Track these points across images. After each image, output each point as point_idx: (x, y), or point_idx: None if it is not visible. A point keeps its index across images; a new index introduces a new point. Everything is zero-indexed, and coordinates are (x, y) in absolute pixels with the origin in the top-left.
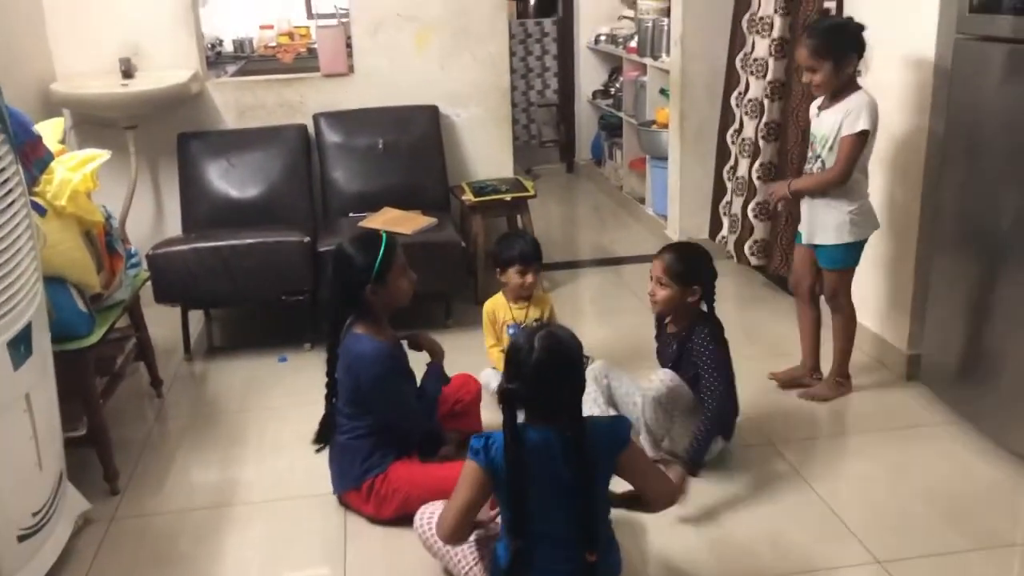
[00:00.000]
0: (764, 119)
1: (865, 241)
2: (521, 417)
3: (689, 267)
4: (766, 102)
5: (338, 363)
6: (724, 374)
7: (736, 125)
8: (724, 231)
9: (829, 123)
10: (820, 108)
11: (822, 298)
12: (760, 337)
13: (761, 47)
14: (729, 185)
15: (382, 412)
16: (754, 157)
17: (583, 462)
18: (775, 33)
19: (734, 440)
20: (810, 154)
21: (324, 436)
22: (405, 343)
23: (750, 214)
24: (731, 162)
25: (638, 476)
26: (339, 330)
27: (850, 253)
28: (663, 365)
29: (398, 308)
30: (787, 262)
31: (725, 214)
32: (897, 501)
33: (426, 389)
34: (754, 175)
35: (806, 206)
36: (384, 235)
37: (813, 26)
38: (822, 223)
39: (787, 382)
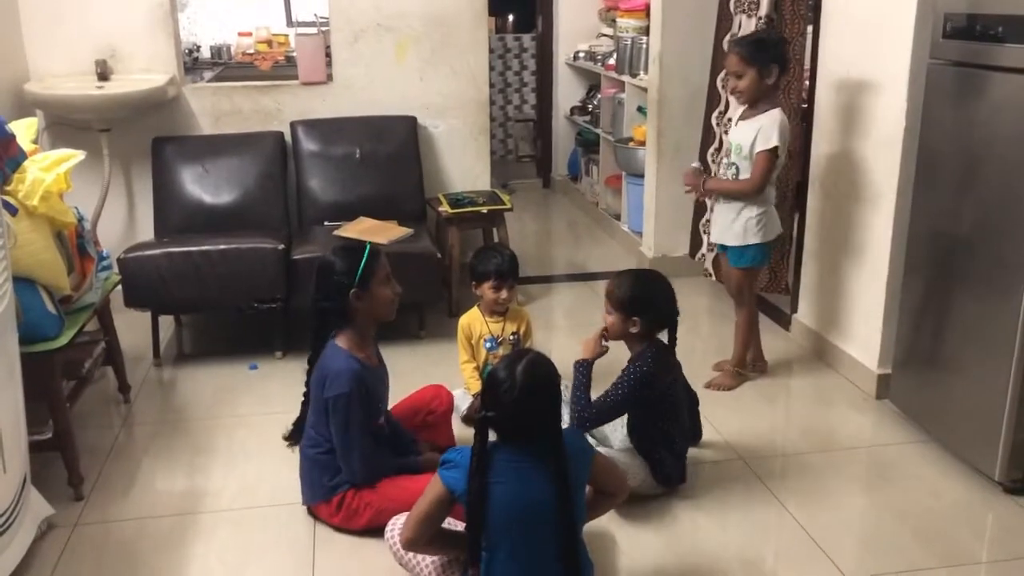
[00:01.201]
0: None
1: (771, 243)
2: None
3: (628, 298)
4: None
5: (314, 373)
6: (620, 403)
7: (716, 144)
8: (703, 249)
9: (745, 133)
10: (739, 119)
11: (757, 295)
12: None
13: None
14: (709, 203)
15: (332, 432)
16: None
17: (565, 484)
18: None
19: (704, 456)
20: (725, 160)
21: (295, 436)
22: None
23: None
24: None
25: (608, 475)
26: (322, 339)
27: (755, 253)
28: None
29: (383, 319)
30: (777, 279)
31: (705, 232)
32: (866, 518)
33: (390, 455)
34: None
35: (716, 210)
36: (368, 244)
37: (744, 37)
38: (729, 226)
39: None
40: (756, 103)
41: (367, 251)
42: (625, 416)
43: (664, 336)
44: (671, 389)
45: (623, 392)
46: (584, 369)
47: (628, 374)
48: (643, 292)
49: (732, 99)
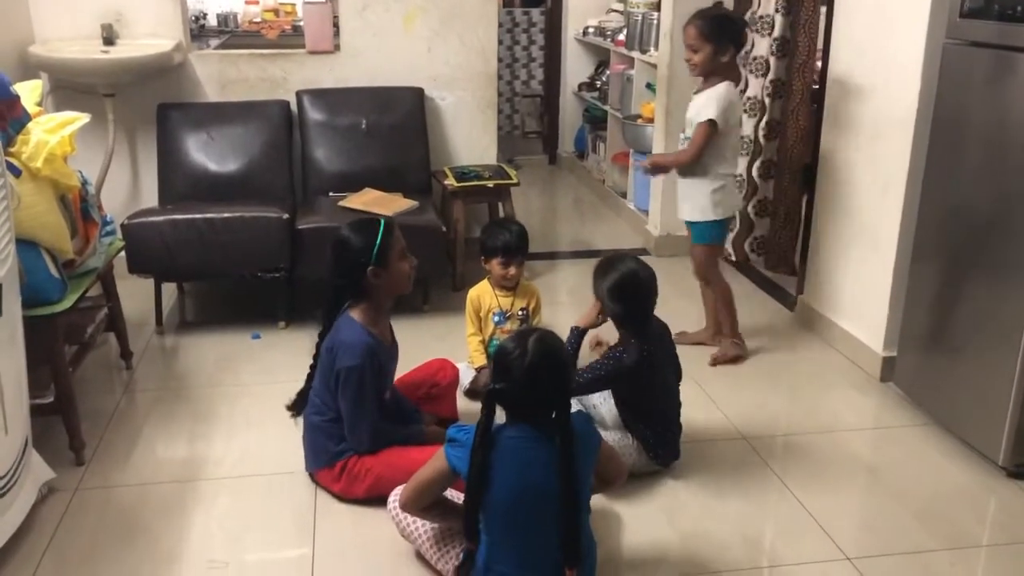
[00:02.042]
0: (765, 118)
1: (728, 220)
2: (502, 418)
3: (596, 286)
4: (767, 100)
5: (325, 342)
6: (594, 383)
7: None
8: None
9: (694, 107)
10: (694, 93)
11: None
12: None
13: (762, 46)
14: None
15: (341, 404)
16: (754, 155)
17: (571, 466)
18: (776, 32)
19: (707, 434)
20: (681, 136)
21: (299, 406)
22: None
23: (751, 211)
24: None
25: (610, 462)
26: (334, 313)
27: (715, 230)
28: None
29: (400, 293)
30: (786, 260)
31: None
32: (868, 499)
33: (396, 424)
34: (755, 173)
35: (678, 187)
36: (383, 220)
37: (705, 11)
38: (690, 201)
39: (692, 343)
40: (709, 77)
41: (382, 227)
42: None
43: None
44: (659, 375)
45: (598, 375)
46: (575, 335)
47: (605, 360)
48: (601, 280)
49: (751, 78)
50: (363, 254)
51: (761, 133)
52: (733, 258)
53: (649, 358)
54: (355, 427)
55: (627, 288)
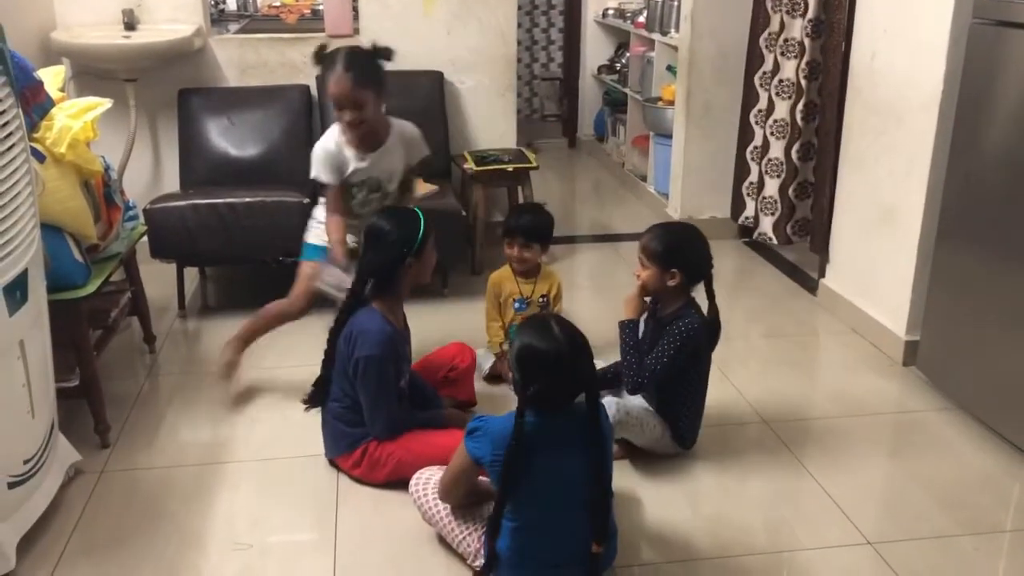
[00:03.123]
0: (803, 99)
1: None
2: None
3: (666, 249)
4: (803, 82)
5: (343, 331)
6: (674, 361)
7: (761, 105)
8: (748, 212)
9: (393, 160)
10: (370, 152)
11: None
12: (758, 318)
13: (795, 27)
14: (754, 166)
15: (360, 392)
16: (791, 138)
17: (600, 447)
18: (810, 13)
19: (728, 418)
20: (375, 196)
21: (317, 399)
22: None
23: (791, 194)
24: (757, 142)
25: None
26: (355, 305)
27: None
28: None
29: (423, 283)
30: (826, 242)
31: (749, 195)
32: (890, 484)
33: (414, 410)
34: (794, 156)
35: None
36: (418, 209)
37: (350, 57)
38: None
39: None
40: (383, 131)
41: (423, 218)
42: None
43: (700, 289)
44: (715, 341)
45: (676, 348)
46: (631, 330)
47: (680, 329)
48: (680, 242)
49: (782, 60)
50: (406, 245)
51: (799, 115)
52: (775, 242)
53: (716, 318)
54: (375, 416)
55: (700, 240)
